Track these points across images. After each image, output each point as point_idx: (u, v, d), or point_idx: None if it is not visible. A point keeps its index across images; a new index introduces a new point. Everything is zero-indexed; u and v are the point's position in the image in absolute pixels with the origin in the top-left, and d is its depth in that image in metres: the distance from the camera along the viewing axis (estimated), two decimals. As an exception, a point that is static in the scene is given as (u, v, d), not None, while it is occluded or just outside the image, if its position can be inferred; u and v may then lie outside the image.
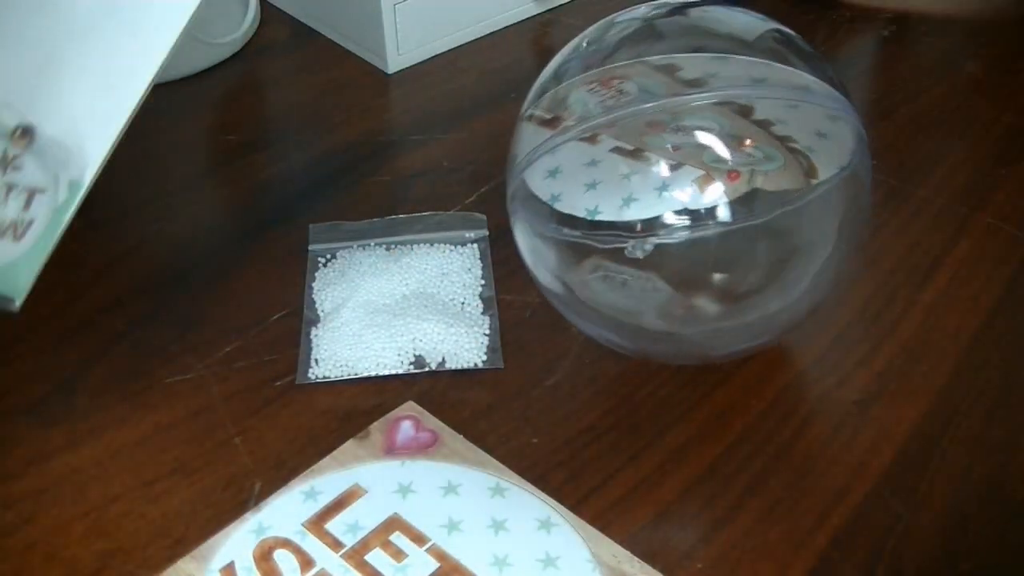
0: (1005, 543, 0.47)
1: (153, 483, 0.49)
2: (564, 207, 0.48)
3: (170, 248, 0.63)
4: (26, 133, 0.39)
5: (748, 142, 0.46)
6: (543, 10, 0.85)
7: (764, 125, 0.46)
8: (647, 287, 0.48)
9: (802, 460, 0.50)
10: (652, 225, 0.46)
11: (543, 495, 0.47)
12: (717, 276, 0.49)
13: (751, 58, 0.48)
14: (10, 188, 0.39)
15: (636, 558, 0.45)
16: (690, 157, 0.45)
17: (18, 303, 0.41)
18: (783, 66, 0.48)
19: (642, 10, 0.52)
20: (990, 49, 0.82)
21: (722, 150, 0.45)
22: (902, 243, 0.63)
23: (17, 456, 0.50)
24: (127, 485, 0.49)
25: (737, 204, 0.45)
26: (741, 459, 0.50)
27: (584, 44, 0.52)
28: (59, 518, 0.47)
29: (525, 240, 0.52)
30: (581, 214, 0.47)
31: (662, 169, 0.46)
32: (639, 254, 0.47)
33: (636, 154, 0.46)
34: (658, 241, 0.46)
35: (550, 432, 0.51)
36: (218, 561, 0.45)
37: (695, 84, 0.47)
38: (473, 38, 0.82)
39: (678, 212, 0.45)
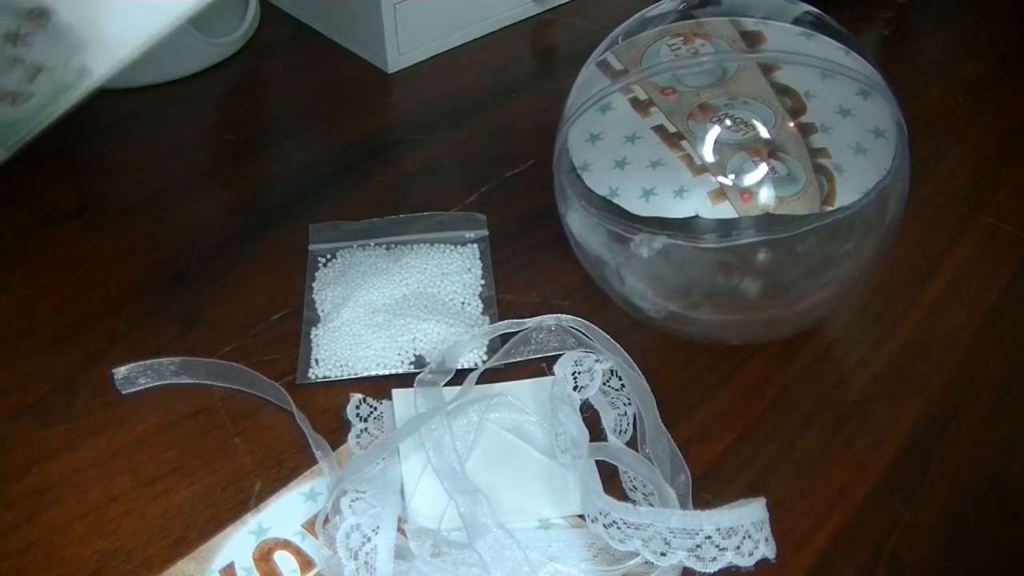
0: (1005, 543, 0.47)
1: (153, 483, 0.49)
2: (590, 179, 0.48)
3: (170, 248, 0.63)
4: (41, 15, 0.41)
5: (780, 154, 0.46)
6: (543, 10, 0.85)
7: (808, 131, 0.46)
8: (683, 259, 0.48)
9: (802, 459, 0.50)
10: (672, 225, 0.46)
11: (543, 495, 0.47)
12: (760, 256, 0.48)
13: (832, 40, 0.48)
14: (16, 61, 0.41)
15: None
16: (720, 158, 0.45)
17: (2, 155, 0.43)
18: (857, 56, 0.48)
19: (670, 3, 0.51)
20: (990, 49, 0.82)
21: (749, 162, 0.45)
22: (902, 243, 0.63)
23: (17, 456, 0.50)
24: (127, 485, 0.49)
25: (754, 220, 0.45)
26: (742, 458, 0.50)
27: (620, 38, 0.51)
28: (59, 518, 0.47)
29: (572, 214, 0.51)
30: (604, 192, 0.47)
31: (685, 170, 0.46)
32: (644, 252, 0.47)
33: (674, 140, 0.46)
34: (668, 242, 0.46)
35: (550, 432, 0.51)
36: (218, 562, 0.45)
37: (762, 51, 0.47)
38: (473, 38, 0.82)
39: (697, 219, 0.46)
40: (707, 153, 0.46)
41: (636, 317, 0.53)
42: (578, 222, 0.51)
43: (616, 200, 0.47)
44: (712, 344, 0.55)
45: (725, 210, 0.45)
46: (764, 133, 0.46)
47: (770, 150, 0.46)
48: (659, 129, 0.47)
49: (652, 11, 0.51)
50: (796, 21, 0.49)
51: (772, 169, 0.45)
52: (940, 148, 0.71)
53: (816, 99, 0.47)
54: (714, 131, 0.46)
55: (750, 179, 0.45)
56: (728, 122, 0.46)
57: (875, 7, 0.86)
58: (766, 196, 0.45)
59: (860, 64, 0.48)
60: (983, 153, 0.70)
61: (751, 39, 0.48)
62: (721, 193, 0.45)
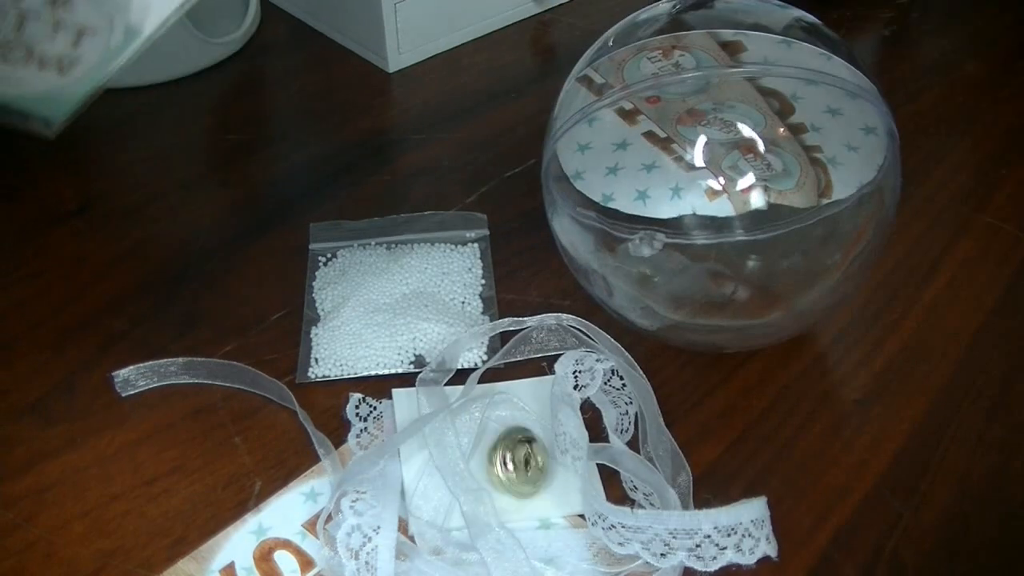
0: (1005, 542, 0.46)
1: (153, 482, 0.49)
2: (584, 187, 0.48)
3: (170, 247, 0.63)
4: None
5: (773, 149, 0.46)
6: (543, 9, 0.85)
7: (798, 130, 0.46)
8: (676, 269, 0.48)
9: (803, 459, 0.50)
10: (670, 224, 0.46)
11: (543, 494, 0.47)
12: (751, 263, 0.48)
13: (815, 47, 0.48)
14: (59, 24, 0.39)
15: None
16: (713, 158, 0.45)
17: (55, 128, 0.41)
18: (842, 60, 0.48)
19: (664, 6, 0.51)
20: (991, 49, 0.82)
21: (742, 159, 0.45)
22: (903, 243, 0.63)
23: (17, 455, 0.50)
24: (127, 484, 0.49)
25: (752, 216, 0.45)
26: (742, 458, 0.50)
27: (610, 42, 0.51)
28: (59, 517, 0.47)
29: (560, 222, 0.51)
30: (597, 198, 0.47)
31: (679, 170, 0.46)
32: (645, 251, 0.47)
33: (665, 144, 0.46)
34: (668, 240, 0.46)
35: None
36: (218, 562, 0.45)
37: (744, 64, 0.47)
38: (473, 37, 0.82)
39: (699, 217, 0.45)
40: (698, 154, 0.46)
41: (631, 329, 0.53)
42: (567, 232, 0.51)
43: (611, 204, 0.47)
44: (707, 352, 0.55)
45: (722, 207, 0.45)
46: (753, 133, 0.46)
47: (763, 147, 0.46)
48: (649, 135, 0.47)
49: (643, 14, 0.52)
50: (788, 27, 0.49)
51: (768, 164, 0.45)
52: (941, 148, 0.71)
53: (803, 100, 0.47)
54: (704, 132, 0.46)
55: (746, 174, 0.45)
56: (717, 124, 0.46)
57: (875, 7, 0.87)
58: (763, 191, 0.45)
59: (849, 72, 0.48)
60: (984, 153, 0.70)
61: (732, 49, 0.48)
62: (718, 190, 0.45)
